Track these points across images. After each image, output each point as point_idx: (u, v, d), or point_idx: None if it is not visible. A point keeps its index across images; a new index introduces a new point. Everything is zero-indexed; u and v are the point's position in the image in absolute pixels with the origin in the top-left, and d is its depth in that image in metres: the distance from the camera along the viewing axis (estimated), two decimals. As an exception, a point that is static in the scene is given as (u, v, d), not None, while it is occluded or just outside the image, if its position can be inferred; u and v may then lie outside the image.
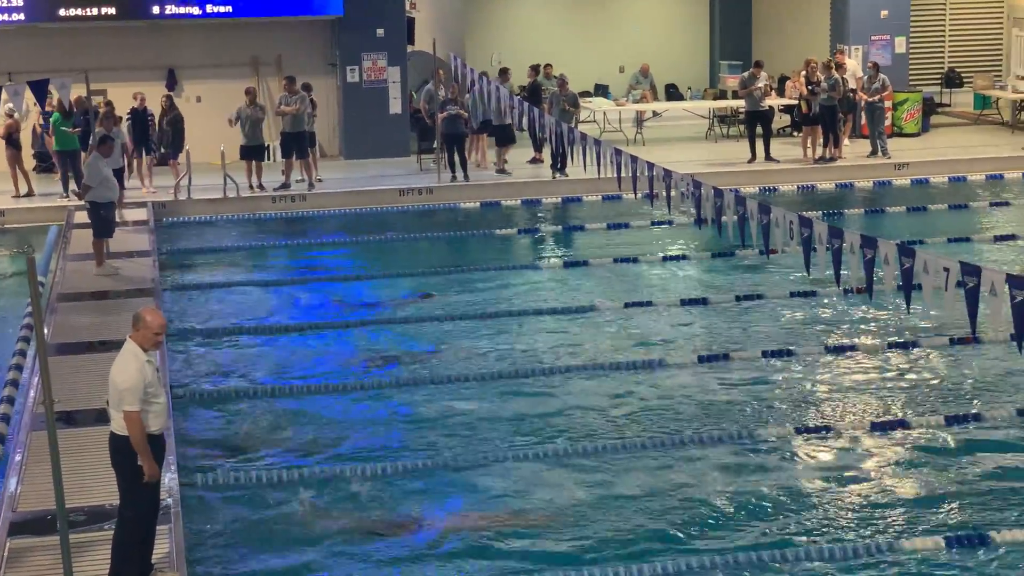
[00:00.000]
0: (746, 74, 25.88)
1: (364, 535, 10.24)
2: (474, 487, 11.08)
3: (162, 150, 23.70)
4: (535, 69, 27.08)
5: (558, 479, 11.19)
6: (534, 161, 25.46)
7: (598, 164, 17.52)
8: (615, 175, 17.15)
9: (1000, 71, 31.21)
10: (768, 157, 24.97)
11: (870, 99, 25.42)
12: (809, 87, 25.07)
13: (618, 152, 17.11)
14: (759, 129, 25.12)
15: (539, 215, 22.46)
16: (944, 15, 31.99)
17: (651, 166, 16.02)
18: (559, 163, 23.44)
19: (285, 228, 21.99)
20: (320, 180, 23.97)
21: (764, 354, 14.16)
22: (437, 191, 23.43)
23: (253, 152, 23.35)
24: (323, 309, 16.75)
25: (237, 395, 13.39)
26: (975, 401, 12.76)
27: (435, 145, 24.41)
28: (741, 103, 26.04)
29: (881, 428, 12.09)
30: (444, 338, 15.24)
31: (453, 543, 10.05)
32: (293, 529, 10.39)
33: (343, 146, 27.00)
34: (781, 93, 28.56)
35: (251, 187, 23.16)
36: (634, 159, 16.50)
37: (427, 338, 15.27)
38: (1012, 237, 19.56)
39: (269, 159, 25.26)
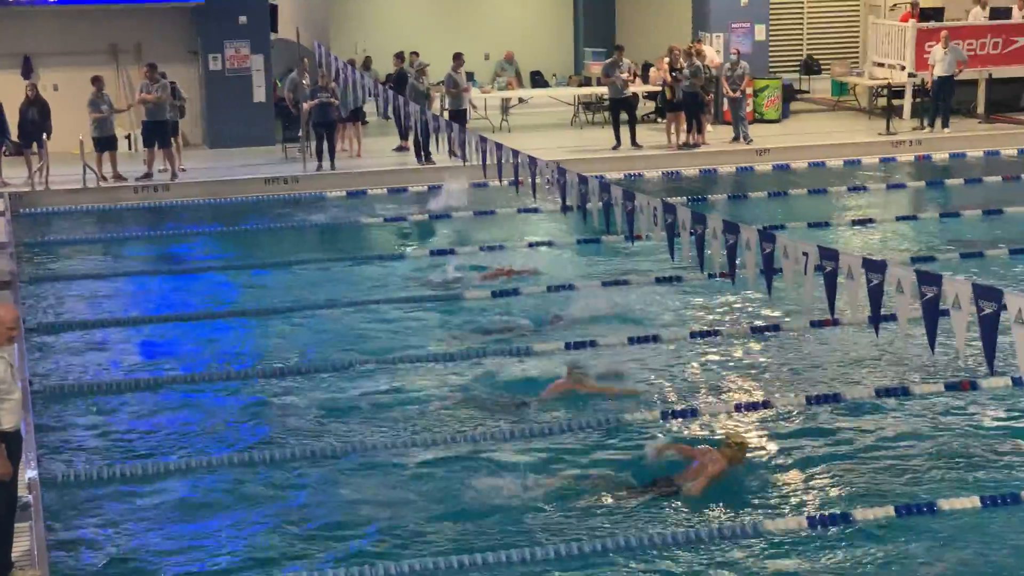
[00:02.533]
0: (608, 60, 26.07)
1: (243, 526, 10.13)
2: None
3: (16, 140, 23.15)
4: (400, 57, 26.99)
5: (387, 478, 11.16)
6: (400, 149, 25.40)
7: (463, 152, 17.53)
8: (480, 163, 17.17)
9: (857, 58, 31.84)
10: (633, 143, 25.19)
11: (734, 94, 25.75)
12: (672, 74, 25.34)
13: (483, 139, 17.13)
14: (624, 116, 25.34)
15: (405, 203, 22.39)
16: (802, 3, 32.56)
17: (516, 153, 16.07)
18: (425, 151, 23.41)
19: (147, 218, 21.66)
20: (184, 170, 23.64)
21: (631, 340, 14.27)
22: (303, 180, 23.25)
23: (104, 144, 22.96)
24: (185, 300, 16.53)
25: (97, 388, 13.15)
26: (835, 382, 13.00)
27: (300, 134, 24.22)
28: (606, 90, 26.23)
29: (746, 409, 12.26)
30: (309, 329, 15.14)
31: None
32: (156, 522, 10.24)
33: (207, 135, 26.65)
34: (645, 80, 28.83)
35: (103, 178, 22.72)
36: (499, 146, 16.53)
37: (294, 329, 15.15)
38: (869, 221, 19.97)
39: (131, 149, 24.86)
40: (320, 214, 21.58)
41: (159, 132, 23.21)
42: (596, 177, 14.91)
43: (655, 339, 14.30)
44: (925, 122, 26.57)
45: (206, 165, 24.50)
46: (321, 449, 11.46)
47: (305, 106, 23.79)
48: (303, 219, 21.19)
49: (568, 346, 14.05)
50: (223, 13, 25.77)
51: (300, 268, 17.94)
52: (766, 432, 11.78)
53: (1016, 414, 12.09)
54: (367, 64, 29.55)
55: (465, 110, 25.14)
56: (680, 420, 12.03)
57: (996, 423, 11.92)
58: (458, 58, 25.21)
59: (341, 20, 32.29)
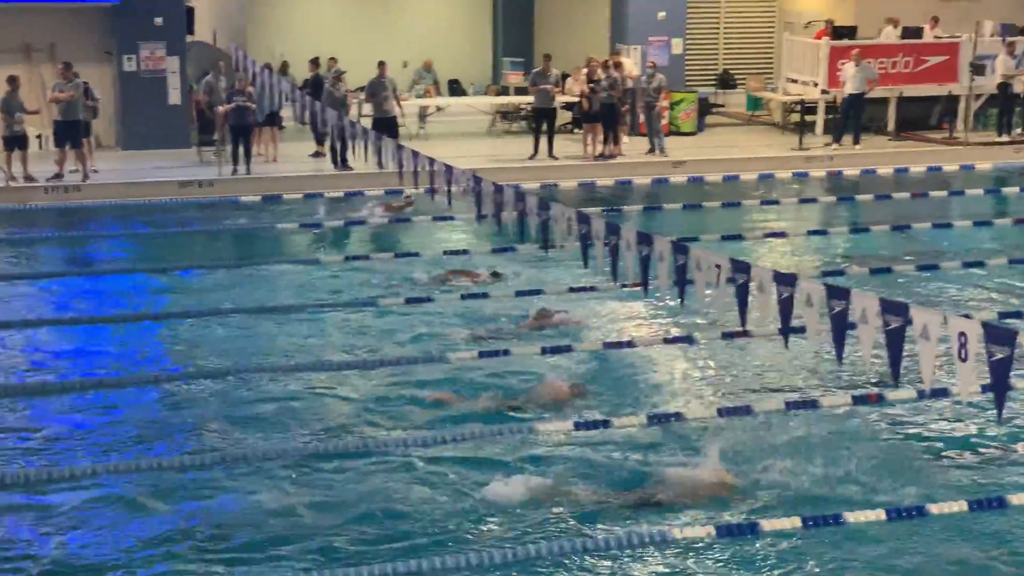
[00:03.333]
0: (536, 70, 26.17)
1: (150, 532, 10.04)
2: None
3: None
4: (315, 63, 26.88)
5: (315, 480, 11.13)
6: (316, 155, 25.31)
7: (379, 159, 17.48)
8: (396, 170, 17.14)
9: (772, 74, 32.20)
10: (550, 154, 25.28)
11: (649, 100, 25.96)
12: (590, 85, 25.48)
13: (399, 147, 17.09)
14: (544, 126, 25.45)
15: (321, 209, 22.31)
16: (719, 19, 32.84)
17: (432, 161, 16.05)
18: (342, 157, 23.34)
19: (58, 220, 21.40)
20: (96, 171, 23.39)
21: (544, 350, 14.31)
22: (218, 183, 23.10)
23: (14, 143, 22.67)
24: (95, 303, 16.34)
25: (3, 391, 12.96)
26: (747, 393, 13.13)
27: (215, 137, 24.05)
28: (524, 99, 26.30)
29: (658, 420, 12.34)
30: (220, 333, 15.03)
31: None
32: (59, 528, 10.11)
33: (120, 136, 26.38)
34: (563, 91, 28.94)
35: (13, 178, 22.42)
36: (415, 154, 16.51)
37: (199, 334, 15.03)
38: (781, 235, 20.20)
39: (41, 148, 24.54)
40: (235, 218, 21.43)
41: (71, 132, 22.95)
42: (512, 186, 14.93)
43: (569, 349, 14.35)
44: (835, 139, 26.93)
45: (119, 167, 24.25)
46: (232, 455, 11.38)
47: (221, 109, 23.64)
48: (217, 223, 21.05)
49: (482, 354, 14.06)
50: (139, 14, 25.53)
51: (213, 272, 17.82)
52: (679, 443, 11.85)
53: (921, 425, 12.27)
54: (284, 69, 29.39)
55: (394, 117, 25.08)
56: (592, 431, 12.08)
57: (903, 433, 12.10)
58: (383, 65, 25.23)
59: (258, 24, 32.12)
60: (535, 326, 15.18)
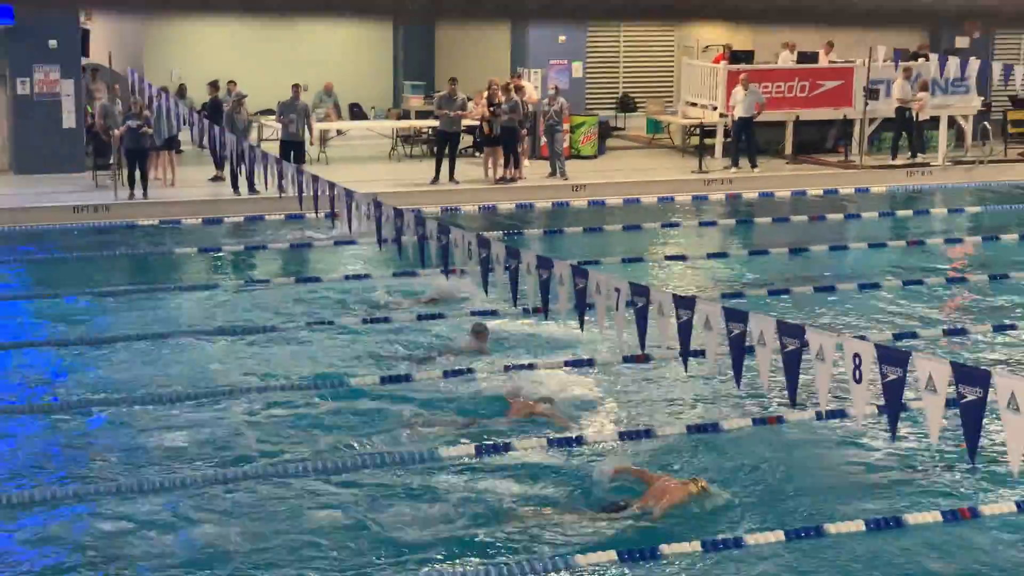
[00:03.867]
0: (442, 93, 26.15)
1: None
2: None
3: None
4: (214, 86, 26.65)
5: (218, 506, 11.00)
6: (215, 179, 25.07)
7: (280, 183, 17.37)
8: (296, 194, 17.03)
9: (671, 97, 32.48)
10: (451, 178, 25.27)
11: (551, 123, 26.07)
12: (491, 108, 25.52)
13: (299, 171, 17.00)
14: (446, 149, 25.43)
15: (220, 234, 22.09)
16: (619, 42, 33.07)
17: (332, 185, 15.98)
18: (249, 182, 23.13)
19: (-51, 246, 20.99)
20: (-12, 196, 22.99)
21: (445, 374, 14.27)
22: (114, 208, 22.77)
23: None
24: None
25: None
26: (646, 418, 13.17)
27: (112, 161, 23.74)
28: (425, 123, 26.29)
29: (558, 445, 12.34)
30: (116, 358, 14.80)
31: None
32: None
33: (13, 160, 25.93)
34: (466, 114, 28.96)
35: None
36: (315, 178, 16.42)
37: (100, 359, 14.80)
38: (682, 258, 20.34)
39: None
40: (131, 243, 21.14)
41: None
42: (412, 211, 14.90)
43: (469, 371, 14.32)
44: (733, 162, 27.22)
45: (12, 191, 23.84)
46: (128, 485, 11.21)
47: (116, 133, 23.35)
48: (113, 248, 20.74)
49: (384, 380, 13.99)
50: (33, 36, 25.15)
51: (109, 298, 17.55)
52: (577, 468, 11.86)
53: (818, 446, 12.40)
54: (182, 92, 29.15)
55: (302, 141, 24.93)
56: (495, 455, 12.06)
57: (801, 455, 12.21)
58: (296, 87, 25.13)
59: (155, 46, 31.80)
60: (474, 347, 15.16)
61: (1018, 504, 10.83)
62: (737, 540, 10.25)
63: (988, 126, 28.81)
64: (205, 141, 21.06)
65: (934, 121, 28.49)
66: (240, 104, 24.84)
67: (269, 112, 26.33)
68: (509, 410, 13.18)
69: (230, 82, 26.93)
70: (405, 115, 30.75)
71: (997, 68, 25.60)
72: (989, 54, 30.30)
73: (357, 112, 32.93)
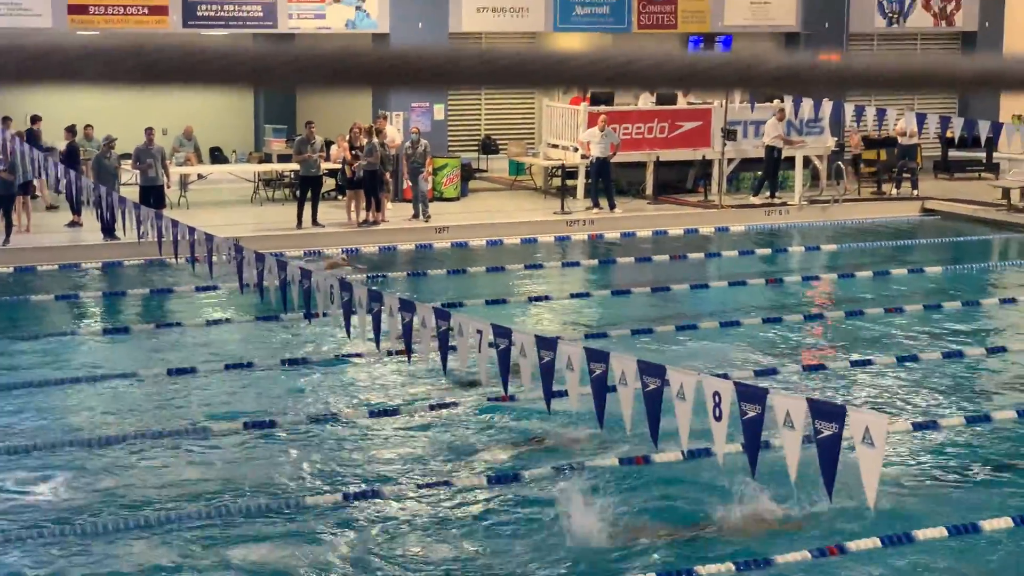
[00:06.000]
0: (300, 137, 26.04)
1: None
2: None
3: None
4: (71, 131, 26.23)
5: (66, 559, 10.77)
6: (72, 225, 24.64)
7: (138, 228, 17.15)
8: (156, 239, 16.83)
9: (533, 139, 32.73)
10: (315, 222, 25.15)
11: (414, 166, 26.11)
12: (353, 151, 25.49)
13: (159, 216, 16.81)
14: (308, 193, 25.31)
15: (79, 280, 21.70)
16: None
17: (192, 230, 15.82)
18: (107, 227, 22.77)
19: None
20: None
21: (309, 419, 14.17)
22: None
23: None
24: None
25: None
26: (512, 460, 13.18)
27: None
28: (287, 166, 26.15)
29: (427, 488, 12.30)
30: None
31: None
32: None
33: None
34: (326, 158, 28.86)
35: None
36: (175, 223, 16.24)
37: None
38: (545, 299, 20.45)
39: None
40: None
41: None
42: (275, 255, 14.81)
43: (334, 417, 14.23)
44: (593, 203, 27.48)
45: None
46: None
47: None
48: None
49: (247, 425, 13.84)
50: None
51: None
52: (448, 511, 11.83)
53: (679, 488, 12.50)
54: (36, 136, 28.60)
55: (161, 186, 24.60)
56: (362, 501, 11.98)
57: (659, 498, 12.31)
58: (150, 132, 24.84)
59: (8, 90, 31.21)
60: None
61: (882, 539, 10.99)
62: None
63: (842, 166, 29.49)
64: (63, 187, 20.75)
65: (789, 161, 29.07)
66: (110, 148, 24.44)
67: (127, 156, 25.98)
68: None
69: (87, 126, 26.54)
70: (267, 159, 30.55)
71: (849, 109, 26.24)
72: (842, 95, 31.05)
73: (218, 156, 32.62)
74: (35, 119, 26.41)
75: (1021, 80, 1.82)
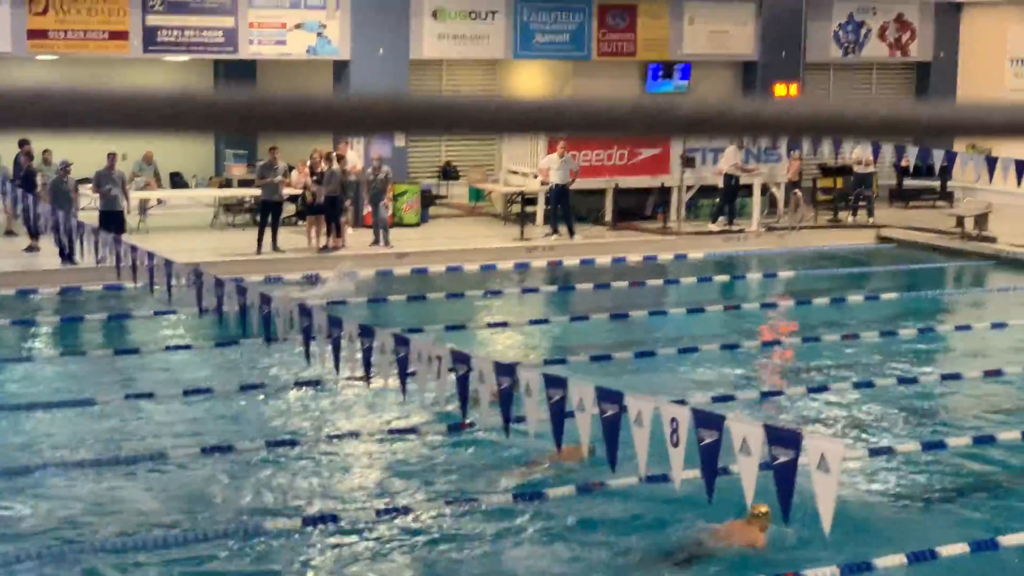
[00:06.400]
0: (263, 162, 26.03)
1: None
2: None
3: None
4: (28, 155, 26.11)
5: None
6: (30, 249, 24.52)
7: (97, 253, 17.09)
8: (115, 264, 16.77)
9: (493, 166, 32.81)
10: (275, 247, 25.13)
11: (375, 192, 26.14)
12: (313, 177, 25.50)
13: (118, 240, 16.76)
14: (269, 218, 25.29)
15: (35, 306, 21.59)
16: (441, 111, 33.31)
17: (151, 255, 15.78)
18: (66, 252, 22.66)
19: None
20: None
21: (269, 444, 14.15)
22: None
23: None
24: None
25: None
26: (471, 486, 13.20)
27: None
28: (247, 191, 26.13)
29: (387, 513, 12.31)
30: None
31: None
32: None
33: None
34: (288, 182, 28.84)
35: None
36: (134, 248, 16.20)
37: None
38: (505, 325, 20.50)
39: None
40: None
41: None
42: (235, 280, 14.80)
43: (292, 443, 14.22)
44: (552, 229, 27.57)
45: None
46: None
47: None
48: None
49: (205, 450, 13.81)
50: None
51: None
52: (409, 536, 11.84)
53: (637, 514, 12.56)
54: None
55: (121, 211, 24.53)
56: (321, 525, 11.98)
57: (618, 524, 12.35)
58: (112, 157, 24.77)
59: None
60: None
61: (841, 568, 11.04)
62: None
63: (799, 194, 29.73)
64: (19, 211, 20.66)
65: (747, 188, 29.27)
66: (66, 172, 24.37)
67: (86, 181, 25.90)
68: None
69: (45, 151, 26.45)
70: (227, 184, 30.50)
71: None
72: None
73: (178, 181, 32.54)
74: None
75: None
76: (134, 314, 20.59)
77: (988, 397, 16.87)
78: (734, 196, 29.01)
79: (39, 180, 25.28)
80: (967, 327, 20.61)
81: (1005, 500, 13.25)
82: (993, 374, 17.48)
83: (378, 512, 12.34)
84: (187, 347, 18.64)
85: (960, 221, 28.46)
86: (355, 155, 28.12)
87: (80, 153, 25.53)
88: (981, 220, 28.04)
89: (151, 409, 15.60)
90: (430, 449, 14.31)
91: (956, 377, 17.51)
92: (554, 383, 9.32)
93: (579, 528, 12.00)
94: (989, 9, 33.46)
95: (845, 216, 30.58)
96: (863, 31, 33.74)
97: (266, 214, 25.41)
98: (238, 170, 30.68)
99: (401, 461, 13.95)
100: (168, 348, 18.52)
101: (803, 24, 32.41)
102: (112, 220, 23.71)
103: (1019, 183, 23.26)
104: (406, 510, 12.41)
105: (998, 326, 20.53)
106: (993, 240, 27.48)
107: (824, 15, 33.13)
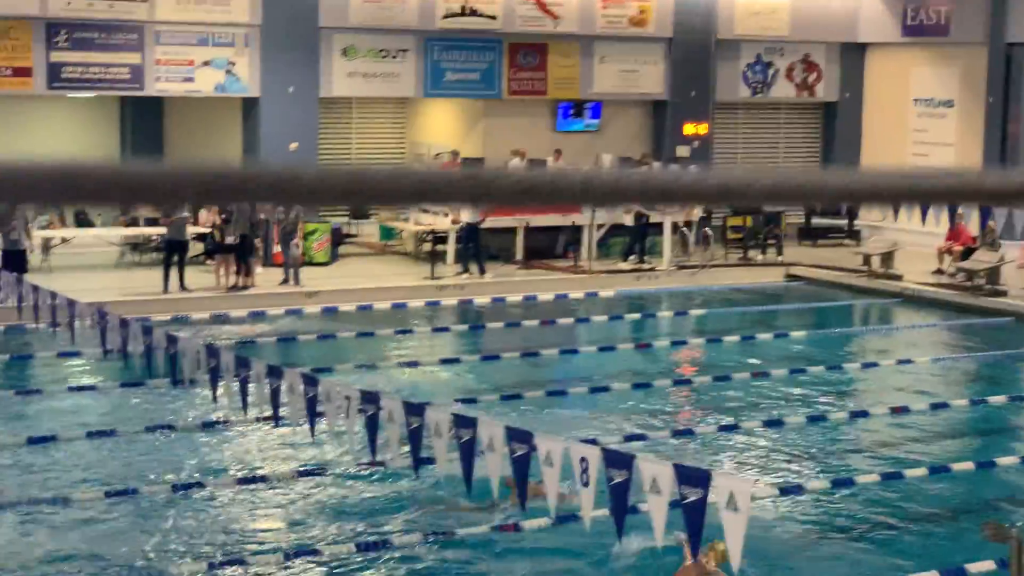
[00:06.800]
0: (162, 201, 25.72)
1: None
2: None
3: None
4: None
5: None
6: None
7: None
8: (16, 304, 16.48)
9: (404, 204, 32.71)
10: (182, 286, 24.84)
11: (286, 230, 25.97)
12: (223, 216, 25.26)
13: (19, 280, 16.47)
14: (175, 257, 25.00)
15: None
16: (350, 147, 33.24)
17: (54, 295, 15.52)
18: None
19: None
20: None
21: (175, 488, 13.90)
22: None
23: None
24: None
25: None
26: (380, 527, 13.07)
27: None
28: (154, 230, 25.82)
29: (296, 556, 12.14)
30: None
31: None
32: None
33: None
34: (195, 221, 28.55)
35: None
36: (35, 288, 15.92)
37: None
38: (415, 364, 20.36)
39: None
40: None
41: None
42: (141, 320, 14.59)
43: (200, 486, 13.98)
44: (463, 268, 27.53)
45: None
46: None
47: None
48: None
49: (109, 494, 13.54)
50: None
51: None
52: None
53: (551, 553, 12.50)
54: None
55: (23, 250, 24.11)
56: (228, 569, 11.78)
57: (534, 565, 12.29)
58: None
59: None
60: None
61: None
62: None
63: (709, 232, 29.95)
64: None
65: (657, 227, 29.42)
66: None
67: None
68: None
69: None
70: (134, 222, 30.12)
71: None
72: (709, 162, 31.61)
73: (83, 219, 32.08)
74: None
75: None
76: (37, 354, 20.19)
77: (895, 433, 17.03)
78: (644, 234, 29.14)
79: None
80: (874, 364, 20.82)
81: (914, 536, 13.35)
82: (900, 411, 17.65)
83: (286, 555, 12.16)
84: (91, 388, 18.29)
85: (867, 259, 28.79)
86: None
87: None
88: (887, 258, 28.40)
89: (54, 451, 15.29)
90: (338, 489, 14.15)
91: (864, 415, 17.66)
92: (464, 423, 9.24)
93: (490, 570, 11.90)
94: (893, 50, 34.03)
95: (755, 254, 30.84)
96: (771, 71, 34.15)
97: (171, 253, 25.11)
98: (144, 209, 30.29)
99: (310, 502, 13.77)
100: (72, 389, 18.16)
101: (712, 64, 32.76)
102: (14, 259, 23.31)
103: (923, 222, 23.65)
104: (315, 552, 12.25)
105: (904, 362, 20.77)
106: (899, 278, 27.83)
107: (732, 55, 33.50)
